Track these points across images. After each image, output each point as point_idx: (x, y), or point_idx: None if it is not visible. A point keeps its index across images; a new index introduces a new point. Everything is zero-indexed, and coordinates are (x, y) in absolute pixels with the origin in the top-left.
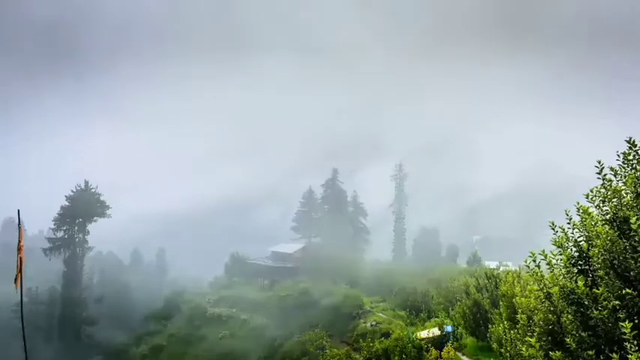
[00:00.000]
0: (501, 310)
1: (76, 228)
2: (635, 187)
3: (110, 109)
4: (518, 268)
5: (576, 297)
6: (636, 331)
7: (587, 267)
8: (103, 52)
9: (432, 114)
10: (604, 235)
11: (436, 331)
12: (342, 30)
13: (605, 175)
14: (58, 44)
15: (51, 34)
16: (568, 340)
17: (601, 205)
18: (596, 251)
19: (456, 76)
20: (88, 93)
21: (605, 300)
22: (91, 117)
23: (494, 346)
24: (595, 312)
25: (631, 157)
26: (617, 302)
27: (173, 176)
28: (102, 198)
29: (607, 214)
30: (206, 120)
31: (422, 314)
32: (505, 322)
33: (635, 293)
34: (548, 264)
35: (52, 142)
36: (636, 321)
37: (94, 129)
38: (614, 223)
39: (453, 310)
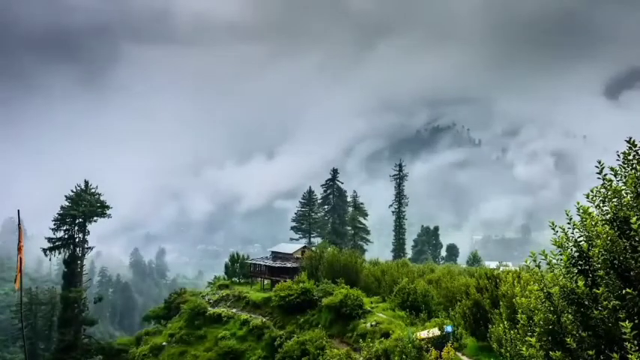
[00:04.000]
0: (501, 310)
1: (76, 228)
2: (635, 187)
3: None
4: (518, 268)
5: (576, 297)
6: (636, 331)
7: (587, 267)
8: None
9: None
10: (604, 235)
11: (436, 331)
12: None
13: (605, 175)
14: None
15: None
16: (568, 340)
17: (601, 205)
18: (597, 251)
19: None
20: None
21: (605, 300)
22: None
23: (495, 346)
24: (595, 312)
25: (631, 157)
26: (617, 302)
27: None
28: (102, 198)
29: (607, 214)
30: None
31: (422, 314)
32: (505, 322)
33: (635, 293)
34: (548, 264)
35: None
36: (636, 321)
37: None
38: (615, 223)
39: (453, 310)
